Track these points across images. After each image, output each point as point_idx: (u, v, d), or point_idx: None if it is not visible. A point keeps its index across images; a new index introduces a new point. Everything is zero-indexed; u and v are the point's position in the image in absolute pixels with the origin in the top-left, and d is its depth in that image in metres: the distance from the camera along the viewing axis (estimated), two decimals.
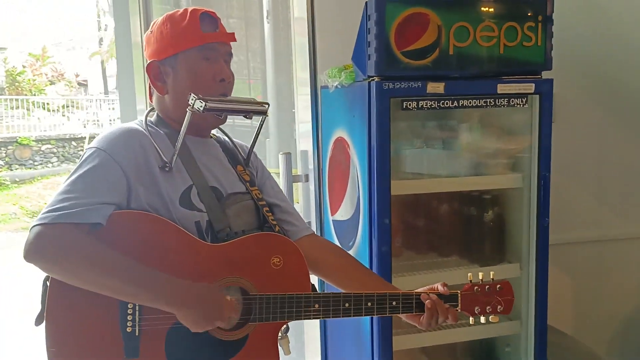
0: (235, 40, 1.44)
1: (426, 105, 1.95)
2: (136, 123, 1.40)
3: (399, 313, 1.39)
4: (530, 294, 2.15)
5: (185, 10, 1.38)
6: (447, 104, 1.98)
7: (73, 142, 13.76)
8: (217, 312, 1.24)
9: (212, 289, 1.26)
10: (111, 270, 1.20)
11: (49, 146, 13.41)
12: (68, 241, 1.18)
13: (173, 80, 1.39)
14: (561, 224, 2.27)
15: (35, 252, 1.18)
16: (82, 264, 1.19)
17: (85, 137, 13.67)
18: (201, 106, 1.31)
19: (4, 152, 12.67)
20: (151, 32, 1.42)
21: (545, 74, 2.05)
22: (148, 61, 1.41)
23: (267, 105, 1.43)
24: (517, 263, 2.20)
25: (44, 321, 1.25)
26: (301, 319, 1.34)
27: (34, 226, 1.19)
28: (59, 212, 1.19)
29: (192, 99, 1.33)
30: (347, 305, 1.34)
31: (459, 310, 1.42)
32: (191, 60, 1.37)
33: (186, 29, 1.36)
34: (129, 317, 1.25)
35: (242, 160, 1.52)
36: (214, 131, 1.54)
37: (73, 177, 1.26)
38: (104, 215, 1.22)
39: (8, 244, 8.82)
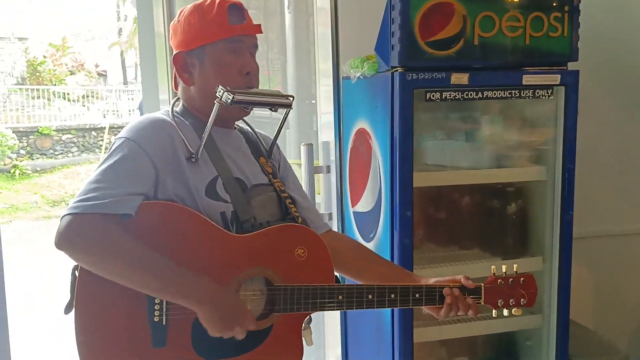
0: (261, 32, 1.43)
1: (450, 96, 1.94)
2: (162, 113, 1.40)
3: (422, 305, 1.39)
4: (553, 287, 2.13)
5: (214, 1, 1.37)
6: (471, 95, 1.96)
7: (93, 132, 13.88)
8: (238, 319, 1.25)
9: (236, 297, 1.28)
10: (139, 264, 1.21)
11: (70, 136, 13.54)
12: (98, 232, 1.19)
13: (199, 72, 1.38)
14: (584, 218, 2.24)
15: (66, 240, 1.19)
16: (110, 255, 1.20)
17: (104, 127, 13.78)
18: (229, 99, 1.31)
19: (26, 141, 12.82)
20: (178, 21, 1.41)
21: (571, 65, 2.02)
22: (175, 51, 1.41)
23: (292, 98, 1.43)
24: (539, 256, 2.18)
25: (73, 310, 1.26)
26: (325, 310, 1.34)
27: (65, 215, 1.20)
28: (90, 202, 1.20)
29: (220, 91, 1.32)
30: (370, 297, 1.34)
31: (482, 303, 1.41)
32: (218, 52, 1.37)
33: (214, 21, 1.35)
34: (157, 307, 1.26)
35: (265, 152, 1.52)
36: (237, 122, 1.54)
37: (103, 166, 1.26)
38: (134, 206, 1.23)
39: (30, 232, 8.94)
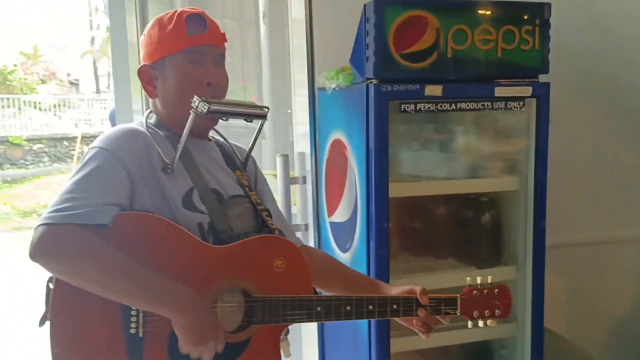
0: (225, 41, 1.43)
1: (424, 107, 1.96)
2: (136, 124, 1.40)
3: (399, 316, 1.40)
4: (527, 296, 2.16)
5: (174, 12, 1.38)
6: (445, 106, 1.99)
7: (65, 142, 13.69)
8: (213, 334, 1.24)
9: (213, 312, 1.27)
10: (116, 273, 1.19)
11: (41, 145, 13.34)
12: (74, 242, 1.18)
13: (161, 84, 1.39)
14: (557, 226, 2.27)
15: (40, 251, 1.17)
16: (86, 264, 1.19)
17: (77, 137, 13.60)
18: (205, 109, 1.31)
19: None
20: (143, 35, 1.42)
21: (542, 77, 2.06)
22: (140, 64, 1.42)
23: (266, 109, 1.44)
24: (513, 265, 2.21)
25: (48, 322, 1.24)
26: (303, 322, 1.34)
27: (39, 225, 1.18)
28: (65, 213, 1.18)
29: (196, 101, 1.32)
30: (348, 308, 1.35)
31: (458, 314, 1.42)
32: (178, 64, 1.37)
33: (172, 33, 1.36)
34: (133, 319, 1.24)
35: (240, 165, 1.52)
36: (211, 133, 1.54)
37: (77, 176, 1.25)
38: (109, 216, 1.22)
39: (0, 243, 8.75)
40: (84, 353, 1.25)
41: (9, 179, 12.26)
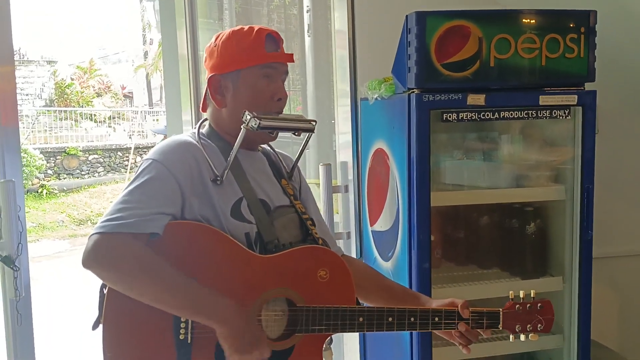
0: (293, 61, 1.48)
1: (466, 117, 1.96)
2: (189, 135, 1.44)
3: (441, 329, 1.40)
4: (573, 308, 2.12)
5: (252, 28, 1.42)
6: (487, 115, 1.98)
7: (119, 153, 14.11)
8: (257, 343, 1.27)
9: (256, 323, 1.30)
10: (162, 282, 1.24)
11: (96, 156, 13.79)
12: (125, 251, 1.22)
13: (233, 95, 1.42)
14: (604, 237, 2.23)
15: (93, 260, 1.22)
16: (135, 274, 1.23)
17: (130, 148, 14.01)
18: (255, 124, 1.35)
19: (53, 162, 13.08)
20: (215, 45, 1.45)
21: (588, 86, 2.03)
22: (209, 73, 1.45)
23: (314, 123, 1.47)
24: (559, 276, 2.17)
25: (101, 326, 1.29)
26: (346, 332, 1.36)
27: (93, 234, 1.24)
28: (118, 222, 1.23)
29: (247, 117, 1.36)
30: (390, 319, 1.36)
31: (500, 328, 1.41)
32: (252, 77, 1.41)
33: (251, 46, 1.40)
34: (182, 325, 1.28)
35: (286, 174, 1.56)
36: None
37: (131, 187, 1.30)
38: (161, 225, 1.26)
39: (56, 251, 9.09)
40: (135, 357, 1.29)
41: (65, 188, 12.71)
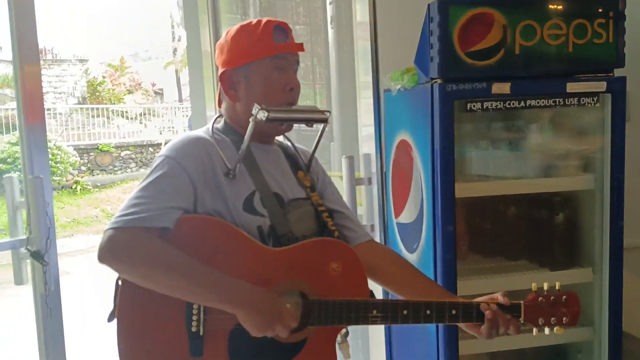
0: (303, 50, 1.47)
1: (491, 106, 1.93)
2: (202, 131, 1.45)
3: (458, 322, 1.37)
4: (604, 299, 2.07)
5: (259, 21, 1.43)
6: (513, 104, 1.95)
7: (150, 148, 14.31)
8: (277, 318, 1.26)
9: (274, 296, 1.29)
10: (179, 271, 1.25)
11: (128, 152, 14.01)
12: (139, 244, 1.24)
13: (245, 88, 1.43)
14: (635, 227, 2.17)
15: (108, 254, 1.25)
16: (151, 265, 1.25)
17: (161, 143, 14.19)
18: (264, 116, 1.35)
19: (86, 158, 13.35)
20: (225, 40, 1.46)
21: (617, 72, 1.98)
22: (220, 69, 1.46)
23: (328, 113, 1.46)
24: (589, 267, 2.13)
25: (115, 319, 1.31)
26: (359, 324, 1.35)
27: (107, 230, 1.26)
28: (131, 217, 1.25)
29: (255, 109, 1.37)
30: (405, 312, 1.33)
31: (522, 322, 1.38)
32: (264, 69, 1.41)
33: (260, 39, 1.40)
34: (194, 317, 1.29)
35: (303, 166, 1.55)
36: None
37: (144, 183, 1.32)
38: (173, 219, 1.28)
39: (91, 245, 9.26)
40: (148, 349, 1.31)
41: (98, 184, 12.96)
